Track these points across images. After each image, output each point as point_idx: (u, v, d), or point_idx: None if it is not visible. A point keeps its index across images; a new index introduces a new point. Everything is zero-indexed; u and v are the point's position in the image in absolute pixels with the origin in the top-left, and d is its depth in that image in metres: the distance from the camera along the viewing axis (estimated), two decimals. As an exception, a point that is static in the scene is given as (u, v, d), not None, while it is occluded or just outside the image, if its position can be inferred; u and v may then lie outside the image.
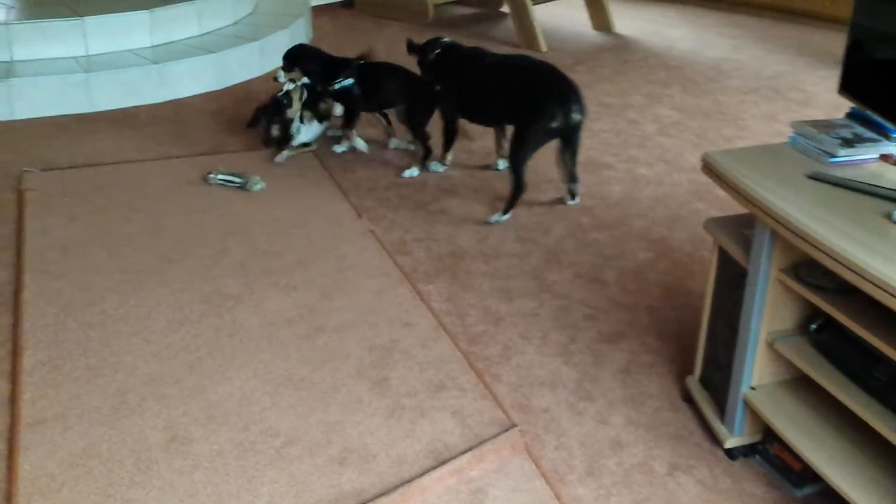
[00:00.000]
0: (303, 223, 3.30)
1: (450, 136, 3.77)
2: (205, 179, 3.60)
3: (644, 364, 2.52)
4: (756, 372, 2.08)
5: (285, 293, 2.83)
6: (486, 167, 3.85)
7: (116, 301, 2.76)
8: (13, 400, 2.30)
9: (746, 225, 2.12)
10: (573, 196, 3.53)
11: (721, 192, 3.60)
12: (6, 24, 4.35)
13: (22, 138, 4.02)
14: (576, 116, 3.37)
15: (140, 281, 2.88)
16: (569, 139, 3.42)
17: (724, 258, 2.16)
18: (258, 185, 3.54)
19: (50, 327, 2.62)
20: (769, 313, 2.02)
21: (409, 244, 3.19)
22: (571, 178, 3.50)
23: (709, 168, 2.10)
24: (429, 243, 3.20)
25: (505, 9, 6.43)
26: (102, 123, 4.23)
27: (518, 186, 3.36)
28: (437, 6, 6.35)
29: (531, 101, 3.36)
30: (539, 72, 3.47)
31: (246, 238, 3.17)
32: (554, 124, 3.32)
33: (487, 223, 3.36)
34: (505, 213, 3.38)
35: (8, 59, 4.39)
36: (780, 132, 4.28)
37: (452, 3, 6.71)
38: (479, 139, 4.12)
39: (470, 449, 2.15)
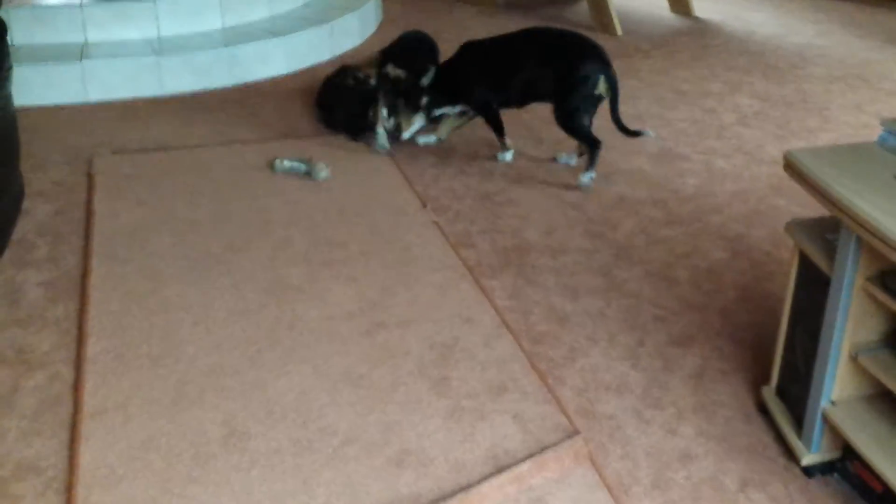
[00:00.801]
0: (367, 212, 3.26)
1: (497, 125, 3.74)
2: (271, 166, 3.58)
3: (716, 371, 2.41)
4: (837, 386, 1.96)
5: (347, 285, 2.79)
6: (554, 159, 3.75)
7: (180, 289, 2.75)
8: (76, 388, 2.31)
9: (830, 229, 2.00)
10: (581, 154, 3.63)
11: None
12: (81, 5, 4.39)
13: (94, 121, 4.06)
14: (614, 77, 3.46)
15: (203, 269, 2.87)
16: (611, 101, 3.48)
17: (806, 264, 2.04)
18: (323, 173, 3.50)
19: (114, 314, 2.63)
20: (853, 324, 1.90)
21: (474, 236, 3.12)
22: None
23: (791, 167, 1.98)
24: (494, 236, 3.13)
25: (579, -9, 6.28)
26: (172, 107, 4.25)
27: (593, 143, 3.48)
28: (509, -12, 6.24)
29: (570, 70, 3.44)
30: (567, 40, 3.55)
31: (309, 227, 3.14)
32: (597, 91, 3.43)
33: (578, 187, 3.48)
34: (589, 169, 3.49)
35: (82, 41, 4.44)
36: (868, 124, 4.07)
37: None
38: (547, 129, 4.02)
39: (531, 456, 2.08)
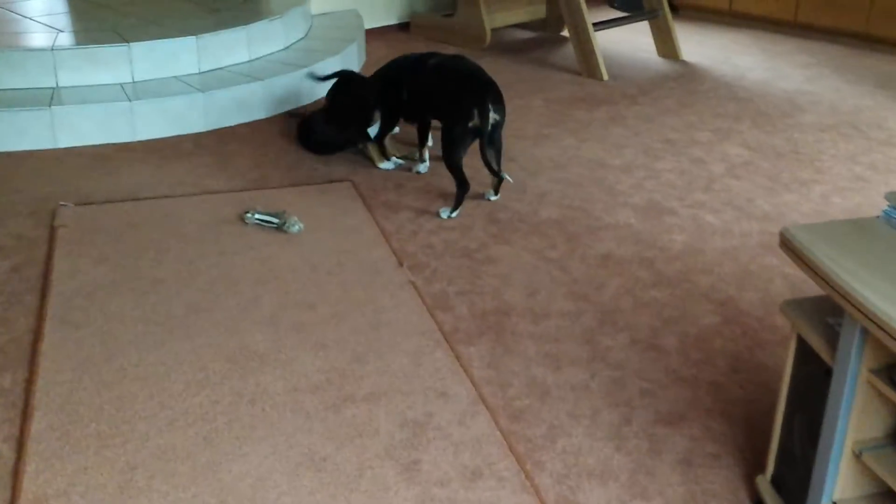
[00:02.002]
0: (339, 270, 3.10)
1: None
2: (242, 218, 3.43)
3: (707, 455, 2.25)
4: (839, 484, 1.80)
5: (315, 353, 2.63)
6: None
7: (137, 357, 2.59)
8: (16, 472, 2.14)
9: (831, 310, 1.85)
10: (496, 192, 3.69)
11: (795, 247, 3.30)
12: (52, 49, 4.25)
13: (62, 169, 3.90)
14: (494, 116, 3.51)
15: (164, 334, 2.70)
16: (490, 138, 3.56)
17: (804, 349, 1.89)
18: (296, 227, 3.35)
19: (64, 385, 2.46)
20: (856, 419, 1.75)
21: (452, 298, 2.97)
22: (494, 173, 3.64)
23: (788, 246, 1.83)
24: (473, 297, 2.97)
25: (566, 33, 6.18)
26: (144, 153, 4.10)
27: (460, 183, 3.55)
28: (494, 30, 6.14)
29: (453, 100, 3.57)
30: (460, 73, 3.67)
31: (279, 286, 2.99)
32: (471, 124, 3.49)
33: (438, 216, 3.54)
34: (452, 209, 3.55)
35: (53, 86, 4.30)
36: (861, 176, 3.96)
37: (511, 26, 6.48)
38: (532, 180, 3.89)
39: (506, 555, 1.91)
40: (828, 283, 1.69)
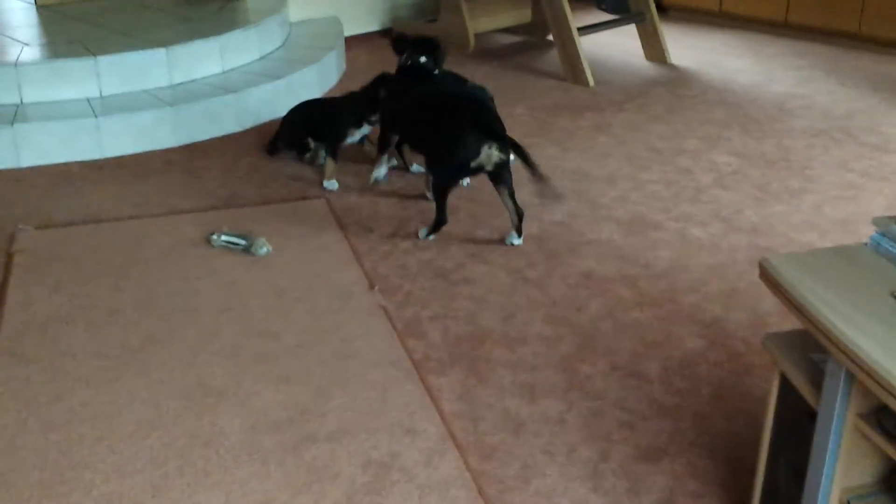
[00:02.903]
0: (307, 296, 2.96)
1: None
2: (208, 240, 3.29)
3: (690, 493, 2.11)
4: (827, 536, 1.66)
5: (276, 387, 2.49)
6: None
7: (87, 395, 2.44)
8: (-51, 526, 2.00)
9: (817, 345, 1.71)
10: (518, 233, 3.34)
11: (785, 262, 3.16)
12: (15, 65, 4.11)
13: (23, 189, 3.76)
14: (499, 155, 3.17)
15: (118, 368, 2.56)
16: (497, 177, 3.26)
17: (788, 389, 1.75)
18: (263, 249, 3.21)
19: (8, 429, 2.31)
20: (843, 466, 1.61)
21: (424, 323, 2.83)
22: (514, 212, 3.32)
23: (768, 278, 1.69)
24: (447, 322, 2.83)
25: (552, 37, 6.04)
26: (110, 171, 3.96)
27: (439, 215, 3.35)
28: (478, 35, 6.00)
29: (445, 135, 3.23)
30: (459, 104, 3.34)
31: (242, 314, 2.84)
32: (473, 163, 3.17)
33: (416, 236, 3.39)
34: (429, 233, 3.38)
35: (17, 102, 4.16)
36: (853, 184, 3.82)
37: (495, 31, 6.34)
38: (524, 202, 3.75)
39: None
40: (810, 321, 1.55)
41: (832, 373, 1.55)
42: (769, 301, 2.93)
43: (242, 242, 3.24)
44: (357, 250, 3.27)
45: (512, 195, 3.27)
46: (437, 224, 3.36)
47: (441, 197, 3.32)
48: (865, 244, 1.75)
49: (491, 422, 2.37)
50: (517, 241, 3.32)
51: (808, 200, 3.69)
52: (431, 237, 3.37)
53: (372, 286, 3.03)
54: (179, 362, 2.59)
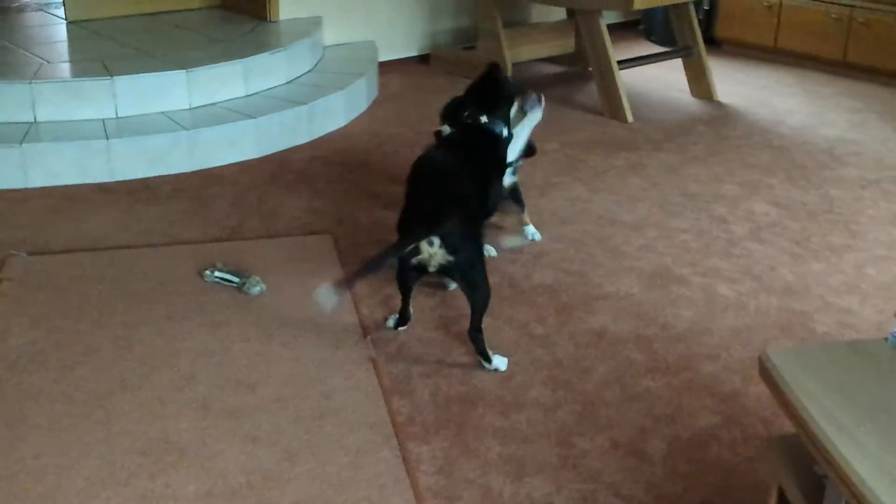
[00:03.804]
0: (295, 342, 2.78)
1: None
2: (201, 275, 3.13)
3: None
4: None
5: (242, 447, 2.30)
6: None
7: (40, 445, 2.29)
8: None
9: (823, 457, 1.46)
10: (484, 358, 2.65)
11: (820, 331, 2.89)
12: (30, 83, 4.03)
13: (26, 212, 3.66)
14: (446, 257, 2.51)
15: (79, 416, 2.40)
16: (453, 279, 2.68)
17: (787, 507, 1.50)
18: (256, 288, 3.04)
19: (-48, 478, 2.16)
20: None
21: (414, 380, 2.62)
22: (469, 336, 2.65)
23: (767, 378, 1.45)
24: (438, 380, 2.62)
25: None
26: (118, 196, 3.84)
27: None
28: (518, 64, 5.79)
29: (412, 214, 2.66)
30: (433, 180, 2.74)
31: (222, 361, 2.67)
32: (414, 259, 2.56)
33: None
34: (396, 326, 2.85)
35: (31, 121, 4.07)
36: (903, 243, 3.51)
37: (536, 60, 6.13)
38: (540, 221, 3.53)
39: None
40: (807, 434, 1.31)
41: (832, 496, 1.30)
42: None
43: (236, 280, 3.07)
44: (355, 292, 3.08)
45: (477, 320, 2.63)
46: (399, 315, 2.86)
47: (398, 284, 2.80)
48: (886, 340, 1.50)
49: (468, 501, 2.14)
50: (490, 367, 2.66)
51: (850, 259, 3.40)
52: (392, 325, 2.87)
53: (365, 334, 2.83)
54: (145, 413, 2.42)
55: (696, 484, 2.22)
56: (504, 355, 2.70)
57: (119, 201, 3.79)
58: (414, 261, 2.56)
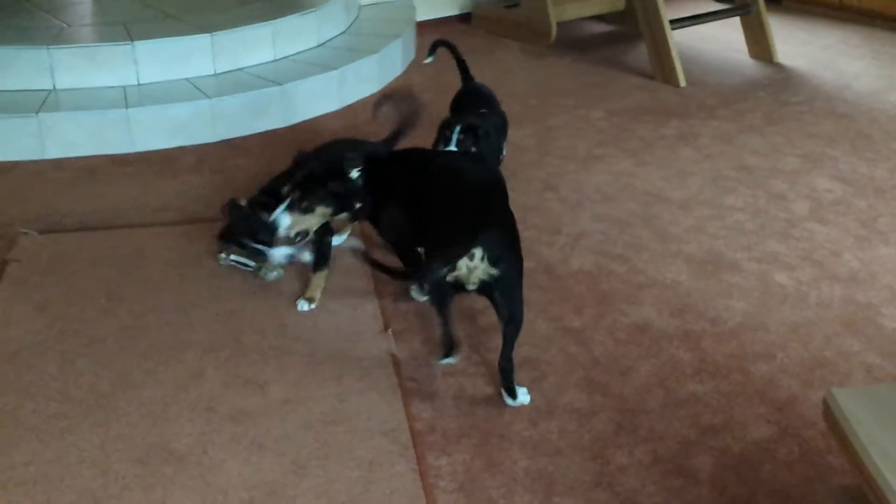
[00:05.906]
0: (310, 334, 2.58)
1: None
2: (217, 256, 2.95)
3: None
4: None
5: (247, 457, 2.12)
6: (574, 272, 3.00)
7: (34, 450, 2.13)
8: None
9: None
10: (510, 393, 2.31)
11: (889, 327, 2.60)
12: (48, 48, 3.85)
13: (41, 185, 3.51)
14: (489, 271, 2.16)
15: (76, 417, 2.24)
16: (491, 299, 2.25)
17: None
18: (273, 273, 2.85)
19: (-63, 486, 2.02)
20: None
21: (437, 380, 2.41)
22: (500, 366, 2.31)
23: (831, 421, 1.21)
24: (463, 381, 2.41)
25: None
26: (137, 168, 3.67)
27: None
28: (563, 23, 5.47)
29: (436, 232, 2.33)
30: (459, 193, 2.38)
31: (231, 355, 2.48)
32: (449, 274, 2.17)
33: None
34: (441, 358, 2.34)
35: (49, 88, 3.91)
36: (983, 225, 3.19)
37: (583, 19, 5.79)
38: (569, 216, 3.27)
39: None
40: (867, 482, 1.07)
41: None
42: (862, 378, 2.40)
43: (252, 264, 2.88)
44: (378, 280, 2.87)
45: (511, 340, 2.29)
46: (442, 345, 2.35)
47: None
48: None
49: (490, 525, 1.94)
50: (513, 403, 2.33)
51: (923, 244, 3.09)
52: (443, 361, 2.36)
53: (386, 327, 2.63)
54: (146, 415, 2.25)
55: (745, 509, 1.98)
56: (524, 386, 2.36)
57: (137, 174, 3.62)
58: (450, 277, 2.21)
